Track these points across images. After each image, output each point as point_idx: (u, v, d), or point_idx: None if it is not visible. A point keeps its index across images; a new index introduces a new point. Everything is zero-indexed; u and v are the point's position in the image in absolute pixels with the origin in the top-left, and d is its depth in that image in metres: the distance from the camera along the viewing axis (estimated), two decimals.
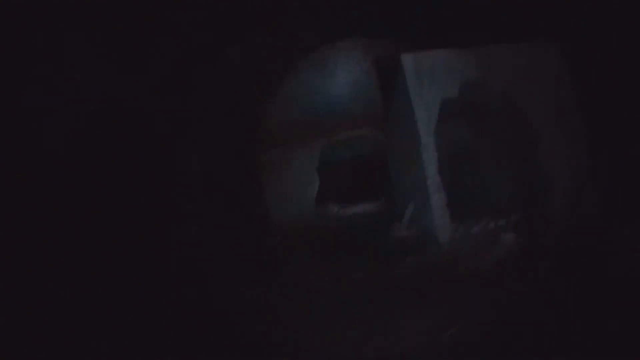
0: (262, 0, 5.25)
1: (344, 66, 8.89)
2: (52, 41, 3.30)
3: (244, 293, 5.25)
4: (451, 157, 7.75)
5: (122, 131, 4.10)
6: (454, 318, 4.61)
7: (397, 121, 8.56)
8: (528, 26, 6.89)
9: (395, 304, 5.39)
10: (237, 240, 6.60)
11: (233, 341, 3.91)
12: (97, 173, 3.75)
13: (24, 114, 3.27)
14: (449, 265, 6.40)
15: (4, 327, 3.04)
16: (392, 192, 10.16)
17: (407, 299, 5.48)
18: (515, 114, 7.46)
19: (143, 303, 3.62)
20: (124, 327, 3.39)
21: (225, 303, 4.62)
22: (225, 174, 6.75)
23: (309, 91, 8.94)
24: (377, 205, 11.07)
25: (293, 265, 7.30)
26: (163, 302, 3.71)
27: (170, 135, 4.84)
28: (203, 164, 5.79)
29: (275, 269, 6.80)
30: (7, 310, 3.07)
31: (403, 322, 4.76)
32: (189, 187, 5.27)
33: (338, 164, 11.61)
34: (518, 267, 5.78)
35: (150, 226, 4.02)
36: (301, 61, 7.92)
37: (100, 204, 3.72)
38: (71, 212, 3.47)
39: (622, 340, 3.16)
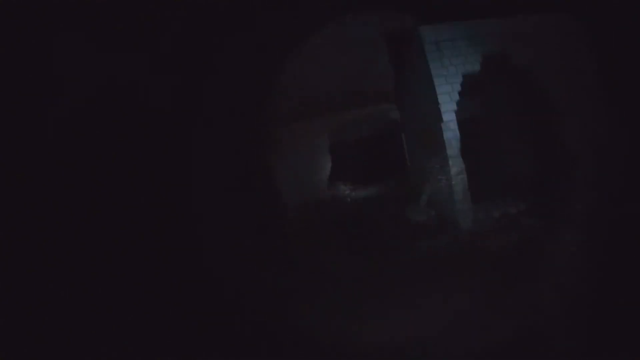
0: None
1: (355, 41, 8.82)
2: (52, 40, 3.43)
3: (254, 277, 5.43)
4: (472, 136, 7.75)
5: (124, 122, 4.22)
6: (472, 303, 4.74)
7: (414, 97, 8.46)
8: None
9: (410, 287, 5.50)
10: (247, 223, 6.75)
11: (239, 331, 4.10)
12: (99, 169, 3.91)
13: (24, 112, 3.43)
14: (468, 250, 6.47)
15: (4, 327, 3.26)
16: (407, 173, 10.19)
17: (423, 282, 5.60)
18: (537, 88, 7.37)
19: (144, 302, 3.81)
20: (124, 327, 3.59)
21: (234, 290, 4.79)
22: (233, 154, 6.85)
23: (319, 67, 8.93)
24: (391, 186, 11.13)
25: (304, 247, 7.43)
26: (165, 300, 3.90)
27: (176, 120, 4.95)
28: (211, 146, 5.90)
29: (285, 252, 6.94)
30: (7, 310, 3.29)
31: (418, 306, 4.89)
32: (197, 171, 5.40)
33: (350, 143, 11.63)
34: (542, 250, 5.83)
35: (153, 220, 4.18)
36: (311, 36, 7.90)
37: (103, 198, 3.89)
38: (71, 211, 3.65)
39: None
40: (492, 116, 8.67)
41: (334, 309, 4.80)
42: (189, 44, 4.78)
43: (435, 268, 5.94)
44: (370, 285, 5.67)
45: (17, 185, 3.47)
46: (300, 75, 8.73)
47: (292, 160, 9.99)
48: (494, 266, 5.65)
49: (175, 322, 3.81)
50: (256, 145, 8.14)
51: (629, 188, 5.43)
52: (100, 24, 3.82)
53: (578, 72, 7.13)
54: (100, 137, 3.86)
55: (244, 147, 7.50)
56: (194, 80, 5.15)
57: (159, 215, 4.14)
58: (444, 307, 4.73)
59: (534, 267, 5.34)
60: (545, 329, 3.92)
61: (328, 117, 10.66)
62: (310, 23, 7.42)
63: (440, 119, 7.19)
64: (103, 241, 3.73)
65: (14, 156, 3.50)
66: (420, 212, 8.42)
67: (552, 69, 7.18)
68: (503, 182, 8.06)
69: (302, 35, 7.66)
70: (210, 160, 5.95)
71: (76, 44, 3.71)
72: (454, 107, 7.17)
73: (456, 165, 7.12)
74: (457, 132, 7.16)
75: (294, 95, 9.18)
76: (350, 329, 4.39)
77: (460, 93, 7.22)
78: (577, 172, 6.97)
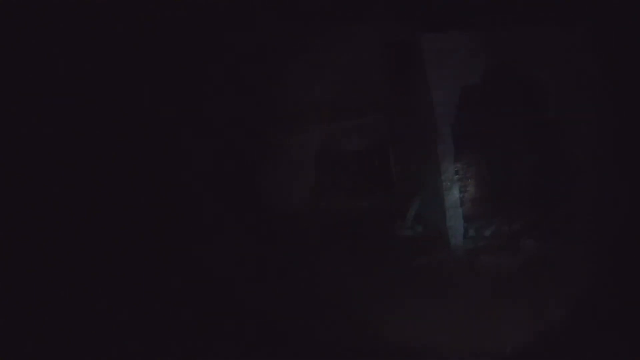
0: None
1: (351, 49, 8.89)
2: (53, 40, 3.62)
3: (253, 278, 5.52)
4: (467, 150, 7.88)
5: (124, 122, 4.39)
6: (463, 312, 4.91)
7: (408, 109, 8.55)
8: (554, 8, 6.96)
9: (404, 293, 5.65)
10: (246, 225, 6.81)
11: (238, 332, 4.24)
12: (99, 169, 4.08)
13: (24, 112, 3.61)
14: (461, 268, 6.57)
15: (4, 327, 3.42)
16: (392, 187, 10.25)
17: (415, 290, 5.76)
18: (538, 102, 7.52)
19: (144, 302, 3.98)
20: (124, 327, 3.75)
21: (234, 290, 4.91)
22: (233, 155, 6.93)
23: (313, 75, 8.98)
24: (379, 200, 11.20)
25: (293, 258, 7.49)
26: (165, 300, 4.06)
27: (175, 121, 5.09)
28: (211, 147, 6.00)
29: (273, 262, 7.03)
30: (7, 310, 3.45)
31: (414, 312, 5.05)
32: (197, 172, 5.52)
33: (339, 155, 11.70)
34: (542, 271, 5.93)
35: (151, 223, 4.33)
36: (308, 44, 7.99)
37: (103, 198, 4.06)
38: (71, 211, 3.82)
39: None
40: (489, 130, 8.77)
41: (332, 311, 4.96)
42: (189, 44, 4.95)
43: (423, 280, 6.09)
44: (363, 290, 5.81)
45: (17, 185, 3.64)
46: (291, 82, 8.78)
47: (278, 170, 10.04)
48: (484, 278, 5.82)
49: (175, 322, 3.96)
50: (255, 149, 8.25)
51: (632, 195, 5.55)
52: (100, 23, 4.01)
53: (581, 84, 7.30)
54: (100, 137, 4.03)
55: (243, 149, 7.59)
56: (193, 81, 5.32)
57: (159, 215, 4.30)
58: (436, 316, 4.92)
59: (526, 280, 5.51)
60: (548, 337, 4.11)
61: (318, 127, 10.68)
62: (307, 31, 7.54)
63: (435, 132, 7.22)
64: (103, 241, 3.90)
65: (14, 156, 3.67)
66: (407, 227, 8.44)
67: (554, 81, 7.36)
68: (497, 199, 8.16)
69: (298, 41, 7.76)
70: (211, 161, 6.07)
71: (76, 43, 3.90)
72: (450, 119, 7.22)
73: (448, 180, 7.16)
74: (452, 146, 7.21)
75: (287, 103, 9.24)
76: (347, 332, 4.56)
77: (457, 105, 7.27)
78: (577, 186, 7.14)
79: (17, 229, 3.60)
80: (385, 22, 8.25)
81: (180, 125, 5.15)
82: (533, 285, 5.37)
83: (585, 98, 7.42)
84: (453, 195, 7.17)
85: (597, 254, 5.53)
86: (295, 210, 10.08)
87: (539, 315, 4.68)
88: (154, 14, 4.39)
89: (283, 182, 10.35)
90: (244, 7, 5.59)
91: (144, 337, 3.83)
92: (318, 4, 6.80)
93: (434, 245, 7.40)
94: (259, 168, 9.43)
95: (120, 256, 3.97)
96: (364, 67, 9.72)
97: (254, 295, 4.74)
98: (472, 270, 6.35)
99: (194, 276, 4.44)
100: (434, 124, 7.29)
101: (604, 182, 6.84)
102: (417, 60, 7.63)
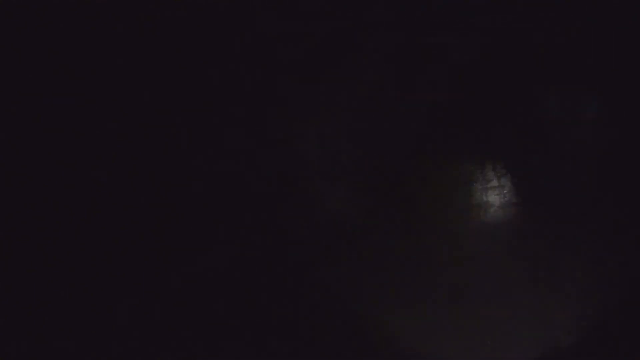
0: None
1: (350, 50, 8.98)
2: (53, 40, 3.69)
3: (255, 278, 5.57)
4: (469, 153, 7.90)
5: (124, 122, 4.44)
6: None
7: (409, 110, 8.62)
8: (554, 8, 7.02)
9: (402, 301, 5.70)
10: (234, 233, 6.87)
11: (238, 332, 4.29)
12: (98, 169, 4.13)
13: (24, 112, 3.67)
14: (464, 272, 6.60)
15: (4, 327, 3.48)
16: (393, 190, 10.29)
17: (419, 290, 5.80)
18: (538, 100, 7.54)
19: (145, 302, 4.03)
20: (124, 327, 3.81)
21: (235, 291, 4.95)
22: (221, 163, 6.99)
23: (311, 76, 9.06)
24: (378, 203, 11.23)
25: (292, 259, 7.52)
26: (163, 302, 4.11)
27: (175, 120, 5.14)
28: (211, 146, 6.05)
29: (273, 263, 7.05)
30: (7, 310, 3.51)
31: (422, 313, 5.09)
32: (197, 172, 5.56)
33: (338, 156, 11.77)
34: (544, 275, 5.97)
35: (151, 223, 4.37)
36: (307, 44, 8.07)
37: (103, 198, 4.11)
38: (71, 211, 3.88)
39: None
40: (490, 132, 8.79)
41: (332, 312, 5.01)
42: (189, 44, 5.00)
43: (424, 284, 6.14)
44: (363, 293, 5.87)
45: (17, 185, 3.70)
46: (290, 83, 8.83)
47: (279, 168, 10.08)
48: (487, 282, 5.86)
49: (176, 323, 4.01)
50: (253, 150, 8.29)
51: (634, 196, 5.59)
52: (99, 23, 4.06)
53: (581, 84, 7.34)
54: (100, 137, 4.08)
55: (242, 150, 7.63)
56: (192, 81, 5.37)
57: (159, 215, 4.34)
58: (439, 319, 4.95)
59: (529, 284, 5.56)
60: (550, 340, 4.16)
61: (315, 128, 10.73)
62: (308, 40, 7.59)
63: (435, 134, 7.25)
64: (103, 241, 3.96)
65: (14, 156, 3.74)
66: (407, 232, 8.44)
67: (554, 81, 7.40)
68: (498, 203, 8.18)
69: (297, 41, 7.83)
70: (210, 161, 6.11)
71: (76, 43, 3.96)
72: (451, 122, 7.24)
73: (449, 184, 7.18)
74: (452, 150, 7.24)
75: (283, 103, 9.29)
76: (349, 332, 4.61)
77: (458, 107, 7.30)
78: (578, 187, 7.16)
79: (17, 229, 3.66)
80: (385, 23, 8.34)
81: (180, 126, 5.20)
82: (536, 289, 5.41)
83: (585, 98, 7.48)
84: (454, 199, 7.18)
85: (600, 256, 5.57)
86: (293, 212, 10.17)
87: (542, 319, 4.72)
88: (154, 14, 4.44)
89: (281, 184, 10.44)
90: (244, 7, 5.64)
91: (144, 337, 3.89)
92: (318, 4, 6.86)
93: (435, 249, 7.44)
94: (258, 169, 9.50)
95: (120, 256, 4.03)
96: (362, 67, 9.82)
97: (254, 295, 4.79)
98: (475, 274, 6.37)
99: (195, 276, 4.48)
100: (434, 127, 7.32)
101: (605, 183, 6.85)
102: (417, 60, 7.68)
